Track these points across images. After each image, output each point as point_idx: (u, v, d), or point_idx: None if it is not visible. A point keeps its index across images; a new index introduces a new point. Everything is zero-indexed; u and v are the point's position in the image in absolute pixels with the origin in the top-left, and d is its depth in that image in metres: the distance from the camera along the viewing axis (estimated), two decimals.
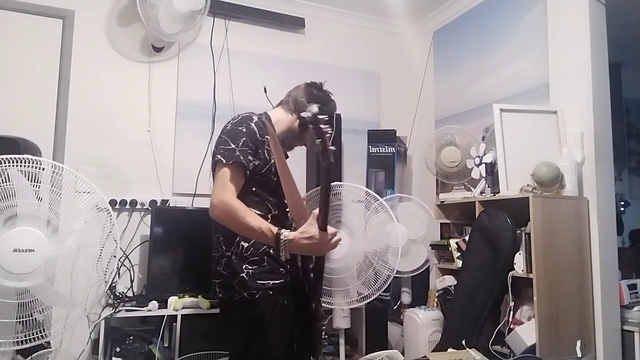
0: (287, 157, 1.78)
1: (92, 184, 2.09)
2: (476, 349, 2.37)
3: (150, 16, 2.86)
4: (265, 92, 2.00)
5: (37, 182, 2.07)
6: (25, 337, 2.01)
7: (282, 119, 1.80)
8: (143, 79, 3.14)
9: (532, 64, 2.87)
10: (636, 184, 4.24)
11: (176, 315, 2.56)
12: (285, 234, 1.43)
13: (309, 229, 1.41)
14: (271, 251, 1.61)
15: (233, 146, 1.59)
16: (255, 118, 1.68)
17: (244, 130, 1.62)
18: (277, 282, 1.62)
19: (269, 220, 1.56)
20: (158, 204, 3.00)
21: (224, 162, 1.56)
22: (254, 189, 1.64)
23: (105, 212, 2.19)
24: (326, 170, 1.30)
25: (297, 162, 2.14)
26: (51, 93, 2.93)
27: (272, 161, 1.63)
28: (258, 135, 1.63)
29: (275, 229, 1.45)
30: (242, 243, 1.62)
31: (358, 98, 3.70)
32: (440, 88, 3.70)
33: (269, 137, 1.62)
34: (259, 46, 3.45)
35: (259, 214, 1.56)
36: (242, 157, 1.58)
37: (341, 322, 2.85)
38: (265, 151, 1.64)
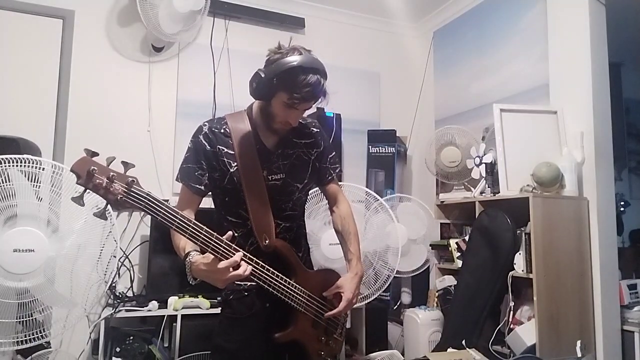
0: (290, 146, 1.61)
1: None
2: (476, 349, 2.37)
3: (150, 16, 2.85)
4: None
5: (37, 182, 2.08)
6: (25, 337, 2.02)
7: (256, 107, 1.60)
8: (143, 79, 3.14)
9: (532, 64, 2.86)
10: (636, 184, 4.24)
11: (176, 315, 2.56)
12: (191, 257, 1.35)
13: (209, 255, 1.32)
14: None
15: (182, 163, 1.56)
16: (206, 128, 1.55)
17: (190, 145, 1.55)
18: (254, 284, 1.51)
19: (245, 230, 1.52)
20: None
21: (177, 178, 1.56)
22: (226, 199, 1.57)
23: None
24: None
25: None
26: (51, 93, 2.93)
27: (233, 170, 1.52)
28: (208, 147, 1.52)
29: (187, 250, 1.38)
30: None
31: (358, 98, 3.70)
32: (440, 88, 3.70)
33: (221, 147, 1.52)
34: (259, 46, 3.38)
35: (235, 222, 1.54)
36: (186, 177, 1.54)
37: None
38: (222, 161, 1.53)
